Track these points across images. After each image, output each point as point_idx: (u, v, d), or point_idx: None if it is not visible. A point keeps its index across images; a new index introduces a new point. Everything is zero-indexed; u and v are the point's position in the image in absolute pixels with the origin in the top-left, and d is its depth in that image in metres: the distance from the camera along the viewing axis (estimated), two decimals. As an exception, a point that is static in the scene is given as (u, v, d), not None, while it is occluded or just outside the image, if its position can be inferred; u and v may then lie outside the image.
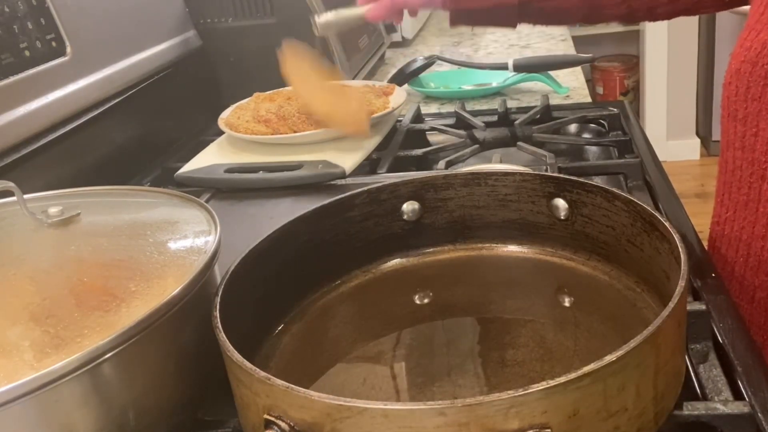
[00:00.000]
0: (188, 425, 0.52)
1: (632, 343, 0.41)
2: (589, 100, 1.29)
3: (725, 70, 0.72)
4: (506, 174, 0.66)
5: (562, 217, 0.64)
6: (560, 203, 0.64)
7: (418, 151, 1.01)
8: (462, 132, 1.07)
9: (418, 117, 1.18)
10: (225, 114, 1.10)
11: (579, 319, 0.59)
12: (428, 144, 1.13)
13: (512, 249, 0.68)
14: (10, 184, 0.55)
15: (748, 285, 0.72)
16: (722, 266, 0.75)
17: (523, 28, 1.92)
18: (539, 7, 0.88)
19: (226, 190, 0.94)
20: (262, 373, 0.42)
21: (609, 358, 0.40)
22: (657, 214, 0.55)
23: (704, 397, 0.52)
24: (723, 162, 0.75)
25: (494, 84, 1.37)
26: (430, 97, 1.38)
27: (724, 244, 0.75)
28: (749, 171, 0.69)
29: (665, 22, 0.92)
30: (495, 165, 0.91)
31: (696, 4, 0.86)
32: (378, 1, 0.90)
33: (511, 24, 0.94)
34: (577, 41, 1.75)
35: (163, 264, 0.54)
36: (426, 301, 0.65)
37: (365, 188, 0.65)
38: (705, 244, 0.73)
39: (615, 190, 0.60)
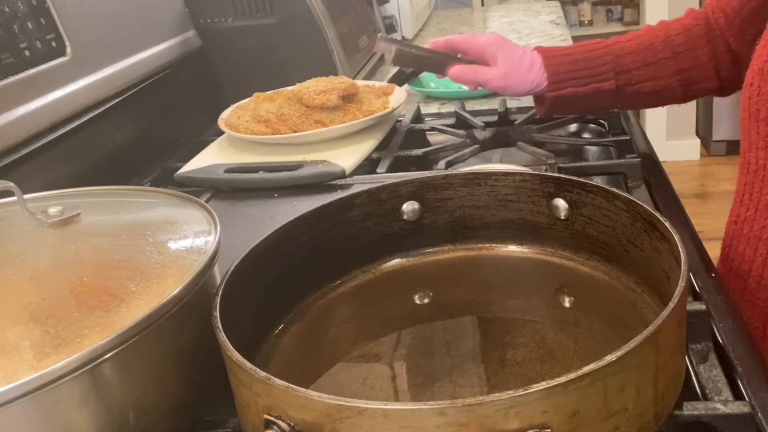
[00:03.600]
0: (188, 425, 0.52)
1: (632, 343, 0.41)
2: (589, 100, 1.29)
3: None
4: (506, 174, 0.66)
5: (562, 217, 0.64)
6: (560, 203, 0.64)
7: (418, 151, 1.01)
8: (462, 132, 1.07)
9: (418, 117, 1.18)
10: (225, 114, 1.10)
11: (579, 319, 0.59)
12: (428, 144, 1.13)
13: (512, 249, 0.68)
14: (10, 184, 0.55)
15: (766, 284, 0.72)
16: (739, 265, 0.75)
17: (523, 27, 1.92)
18: (635, 89, 0.88)
19: (226, 190, 0.94)
20: (263, 373, 0.42)
21: (609, 358, 0.40)
22: (657, 214, 0.55)
23: (704, 397, 0.52)
24: (745, 163, 0.74)
25: (494, 84, 1.37)
26: (430, 97, 1.38)
27: (742, 243, 0.75)
28: None
29: (665, 19, 0.92)
30: (495, 165, 0.91)
31: None
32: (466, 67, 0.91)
33: (607, 108, 0.94)
34: (577, 42, 1.75)
35: (163, 264, 0.54)
36: (426, 301, 0.65)
37: (365, 188, 0.65)
38: (705, 244, 0.73)
39: (615, 190, 0.60)
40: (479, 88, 0.95)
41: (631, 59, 0.88)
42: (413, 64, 0.96)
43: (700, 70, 0.88)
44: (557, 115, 1.02)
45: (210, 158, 1.01)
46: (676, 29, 0.89)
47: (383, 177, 0.92)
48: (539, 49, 0.90)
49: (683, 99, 0.91)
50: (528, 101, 1.28)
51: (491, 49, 0.90)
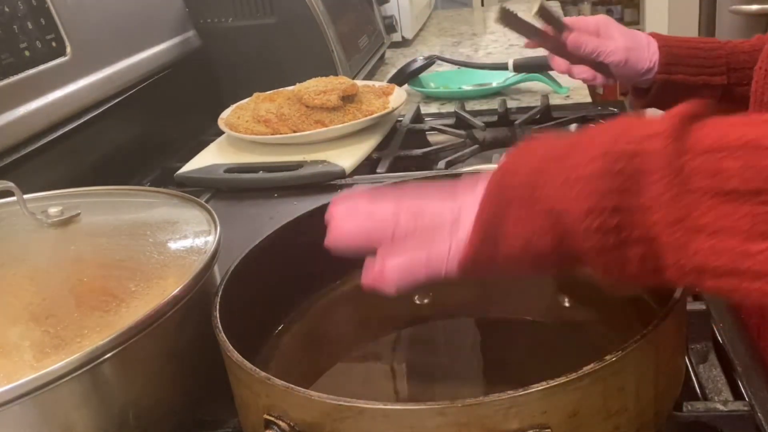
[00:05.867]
0: (188, 425, 0.52)
1: (632, 343, 0.41)
2: (589, 100, 1.29)
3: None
4: (506, 174, 0.65)
5: (562, 217, 0.64)
6: (560, 203, 0.63)
7: (418, 151, 1.01)
8: (462, 132, 1.07)
9: (418, 117, 1.18)
10: (225, 114, 1.10)
11: (579, 319, 0.59)
12: (428, 144, 1.13)
13: (512, 249, 0.67)
14: (10, 184, 0.55)
15: None
16: None
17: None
18: (745, 91, 0.81)
19: (226, 190, 0.94)
20: (263, 374, 0.42)
21: (609, 358, 0.40)
22: (657, 214, 0.55)
23: (704, 397, 0.52)
24: None
25: (494, 84, 1.37)
26: (430, 97, 1.38)
27: None
28: None
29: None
30: (495, 165, 0.90)
31: None
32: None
33: (720, 79, 0.87)
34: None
35: (163, 264, 0.54)
36: (426, 301, 0.64)
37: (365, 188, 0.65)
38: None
39: (615, 190, 0.59)
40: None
41: (745, 58, 0.84)
42: (550, 21, 0.92)
43: None
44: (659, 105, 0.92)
45: (210, 158, 1.01)
46: None
47: (383, 177, 0.92)
48: (651, 34, 0.87)
49: None
50: (528, 101, 1.28)
51: (604, 26, 0.87)
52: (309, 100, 1.01)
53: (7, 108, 0.81)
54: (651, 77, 0.87)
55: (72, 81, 0.93)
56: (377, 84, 1.16)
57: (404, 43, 1.85)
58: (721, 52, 0.85)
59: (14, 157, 0.82)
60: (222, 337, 0.46)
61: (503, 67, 1.35)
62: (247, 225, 0.85)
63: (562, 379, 0.39)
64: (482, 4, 2.78)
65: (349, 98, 1.04)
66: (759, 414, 0.48)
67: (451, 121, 1.15)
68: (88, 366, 0.43)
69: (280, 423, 0.41)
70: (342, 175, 0.92)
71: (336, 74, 1.17)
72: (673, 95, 0.87)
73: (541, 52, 0.98)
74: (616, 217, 0.36)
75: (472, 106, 1.27)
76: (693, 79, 0.85)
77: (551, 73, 1.33)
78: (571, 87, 1.34)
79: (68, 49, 0.92)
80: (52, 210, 0.57)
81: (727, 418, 0.47)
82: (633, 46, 0.85)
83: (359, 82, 1.12)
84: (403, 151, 1.01)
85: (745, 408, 0.47)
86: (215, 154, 1.03)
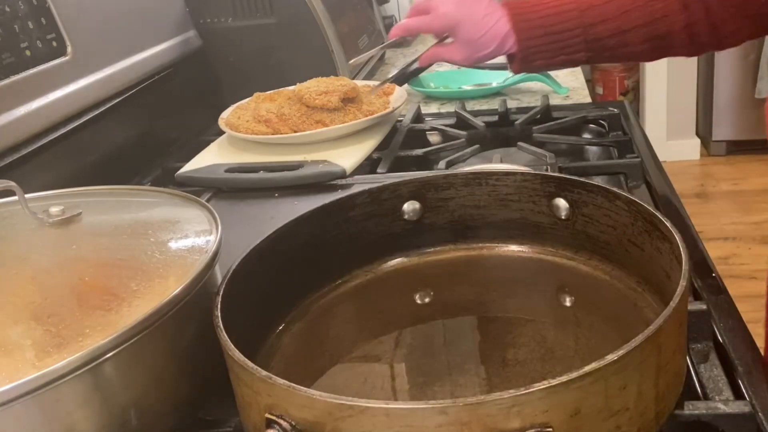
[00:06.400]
0: (189, 424, 0.52)
1: (633, 343, 0.41)
2: (589, 100, 1.29)
3: (724, 70, 0.71)
4: (507, 174, 0.66)
5: (563, 217, 0.64)
6: (561, 203, 0.64)
7: (419, 151, 1.01)
8: (462, 132, 1.07)
9: (418, 117, 1.18)
10: (225, 114, 1.10)
11: (580, 318, 0.60)
12: (429, 144, 1.13)
13: (513, 249, 0.68)
14: (11, 184, 0.55)
15: None
16: None
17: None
18: (607, 56, 0.86)
19: (227, 190, 0.94)
20: (264, 373, 0.42)
21: (610, 357, 0.40)
22: (658, 214, 0.55)
23: (705, 397, 0.52)
24: None
25: (494, 84, 1.37)
26: (430, 97, 1.38)
27: None
28: None
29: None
30: (496, 165, 0.91)
31: (762, 23, 0.80)
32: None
33: (580, 56, 0.88)
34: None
35: (164, 263, 0.54)
36: (427, 300, 0.65)
37: (366, 188, 0.65)
38: (705, 244, 0.73)
39: (616, 189, 0.60)
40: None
41: (604, 27, 0.83)
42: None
43: (673, 37, 0.84)
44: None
45: (210, 158, 1.01)
46: None
47: (384, 177, 0.92)
48: (507, 6, 0.86)
49: (652, 60, 0.90)
50: (528, 101, 1.28)
51: (450, 23, 0.89)
52: (310, 100, 1.01)
53: (7, 108, 0.81)
54: (506, 53, 0.87)
55: (72, 81, 0.93)
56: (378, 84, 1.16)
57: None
58: (577, 31, 0.84)
59: (15, 157, 0.82)
60: (223, 336, 0.46)
61: (503, 67, 1.34)
62: (248, 225, 0.85)
63: (564, 379, 0.39)
64: (482, 5, 2.78)
65: (349, 99, 1.04)
66: (760, 414, 0.48)
67: (451, 121, 1.15)
68: (89, 365, 0.43)
69: (282, 422, 0.41)
70: (342, 175, 0.92)
71: (336, 74, 1.17)
72: (537, 68, 0.90)
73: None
74: None
75: (472, 106, 1.27)
76: (553, 61, 0.86)
77: (551, 73, 1.34)
78: (571, 87, 1.34)
79: (69, 49, 0.92)
80: (54, 209, 0.57)
81: (728, 417, 0.47)
82: (472, 40, 0.86)
83: (359, 82, 1.12)
84: (403, 151, 1.01)
85: (746, 407, 0.47)
86: (216, 154, 1.03)
